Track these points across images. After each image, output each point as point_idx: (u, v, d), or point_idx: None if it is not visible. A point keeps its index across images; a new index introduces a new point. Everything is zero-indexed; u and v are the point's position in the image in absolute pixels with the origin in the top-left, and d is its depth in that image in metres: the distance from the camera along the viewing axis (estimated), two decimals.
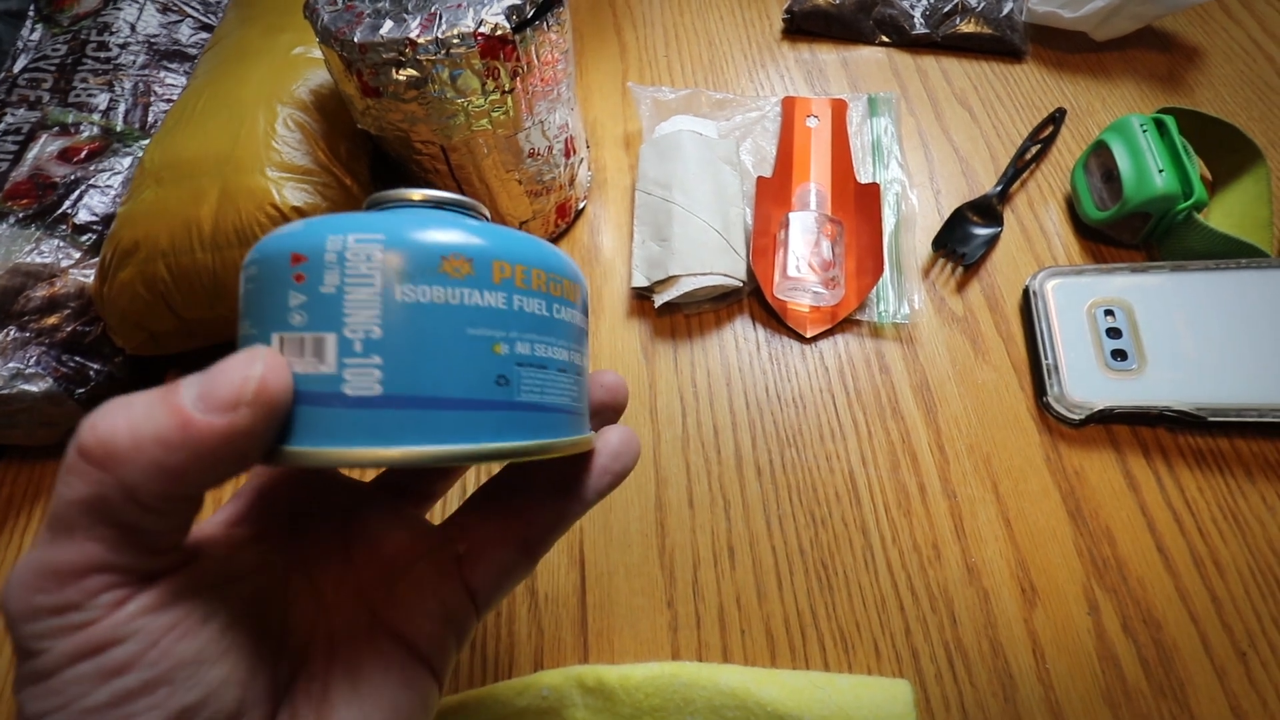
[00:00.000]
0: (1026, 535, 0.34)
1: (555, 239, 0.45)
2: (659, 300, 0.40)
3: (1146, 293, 0.37)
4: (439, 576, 0.20)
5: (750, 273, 0.40)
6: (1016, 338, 0.39)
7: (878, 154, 0.45)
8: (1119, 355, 0.36)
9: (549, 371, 0.17)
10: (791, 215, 0.41)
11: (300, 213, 0.36)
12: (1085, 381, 0.35)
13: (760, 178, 0.43)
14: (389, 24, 0.31)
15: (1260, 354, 0.34)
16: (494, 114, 0.35)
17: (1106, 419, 0.35)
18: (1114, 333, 0.36)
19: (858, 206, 0.42)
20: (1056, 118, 0.46)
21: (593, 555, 0.35)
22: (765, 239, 0.42)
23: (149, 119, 0.45)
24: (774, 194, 0.43)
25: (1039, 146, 0.45)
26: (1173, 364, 0.35)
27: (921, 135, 0.47)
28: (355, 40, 0.31)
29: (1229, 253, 0.37)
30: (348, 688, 0.17)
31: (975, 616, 0.32)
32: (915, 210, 0.43)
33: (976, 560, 0.33)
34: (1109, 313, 0.37)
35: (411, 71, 0.32)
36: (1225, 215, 0.40)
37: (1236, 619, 0.31)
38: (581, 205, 0.46)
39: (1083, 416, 0.35)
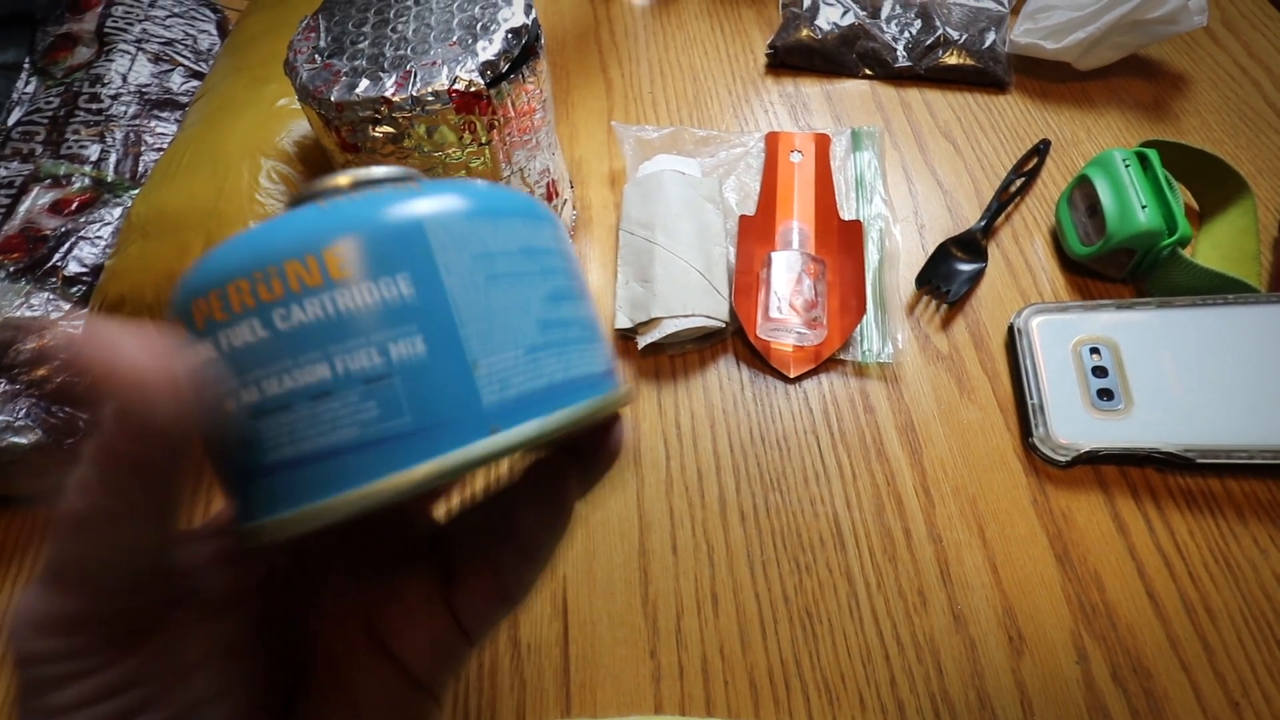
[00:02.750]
0: (1014, 581, 0.33)
1: None
2: (642, 342, 0.40)
3: (1132, 330, 0.36)
4: (428, 604, 0.19)
5: (733, 313, 0.40)
6: (1002, 375, 0.39)
7: (861, 189, 0.45)
8: (1105, 395, 0.35)
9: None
10: (774, 255, 0.41)
11: None
12: (1071, 422, 0.35)
13: (743, 216, 0.43)
14: (365, 83, 0.32)
15: (1249, 393, 0.34)
16: (472, 165, 0.35)
17: (1093, 460, 0.35)
18: (1100, 371, 0.36)
19: (840, 244, 0.42)
20: (1041, 149, 0.46)
21: (576, 603, 0.35)
22: (748, 278, 0.41)
23: (139, 169, 0.45)
24: (757, 232, 0.43)
25: (1023, 179, 0.45)
26: (1159, 404, 0.34)
27: (905, 169, 0.47)
28: (332, 99, 0.32)
29: (1216, 288, 0.36)
30: (349, 713, 0.17)
31: (962, 666, 0.32)
32: (899, 246, 0.43)
33: (963, 607, 0.33)
34: (1094, 350, 0.36)
35: (388, 128, 0.32)
36: (1213, 248, 0.39)
37: (1229, 667, 0.31)
38: None
39: (1069, 458, 0.34)
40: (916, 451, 0.37)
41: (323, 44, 0.35)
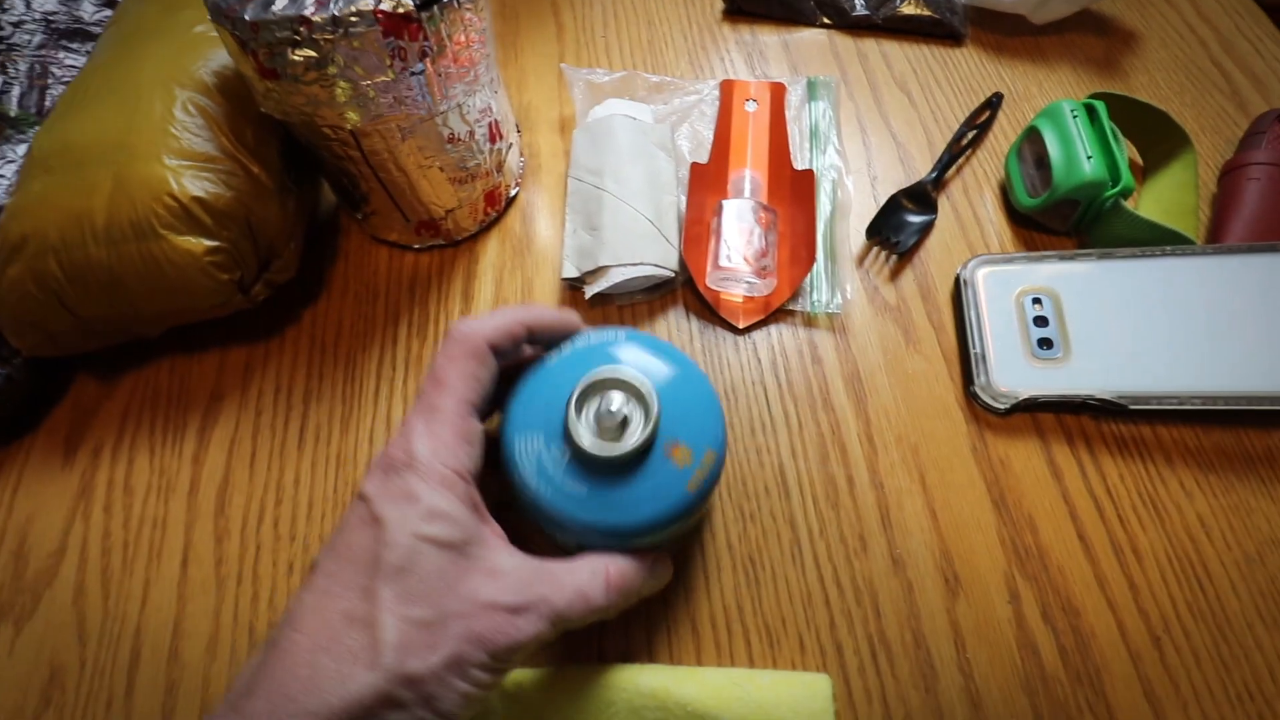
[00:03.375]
0: (951, 525, 0.34)
1: (485, 228, 0.44)
2: (590, 291, 0.39)
3: (1073, 281, 0.37)
4: None
5: (682, 262, 0.40)
6: (948, 326, 0.39)
7: (815, 139, 0.45)
8: (1045, 344, 0.36)
9: None
10: (725, 203, 0.40)
11: (201, 203, 0.34)
12: (1011, 370, 0.35)
13: (695, 164, 0.42)
14: (282, 1, 0.30)
15: (1180, 342, 0.34)
16: (403, 95, 0.33)
17: (1031, 408, 0.35)
18: (1041, 321, 0.36)
19: (793, 194, 0.42)
20: (994, 102, 0.45)
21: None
22: (698, 227, 0.41)
23: (46, 102, 0.42)
24: (709, 181, 0.42)
25: (975, 132, 0.44)
26: (1096, 352, 0.35)
27: (860, 120, 0.47)
28: (246, 18, 0.29)
29: (1155, 240, 0.37)
30: None
31: (899, 609, 0.32)
32: (850, 197, 0.42)
33: (902, 551, 0.33)
34: (1036, 300, 0.37)
35: (309, 52, 0.30)
36: (1155, 201, 0.40)
37: (1153, 605, 0.32)
38: (514, 192, 0.45)
39: (1008, 405, 0.35)
40: (862, 401, 0.37)
41: None
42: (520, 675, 0.30)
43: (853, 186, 0.43)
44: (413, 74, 0.32)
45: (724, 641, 0.32)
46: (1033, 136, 0.40)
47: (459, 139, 0.37)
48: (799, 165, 0.44)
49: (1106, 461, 0.35)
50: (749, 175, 0.42)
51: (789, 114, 0.46)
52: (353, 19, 0.29)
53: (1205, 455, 0.35)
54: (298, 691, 0.21)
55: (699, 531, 0.34)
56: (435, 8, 0.31)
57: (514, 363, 0.29)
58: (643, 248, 0.38)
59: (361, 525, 0.23)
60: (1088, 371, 0.35)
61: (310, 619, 0.22)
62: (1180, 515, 0.33)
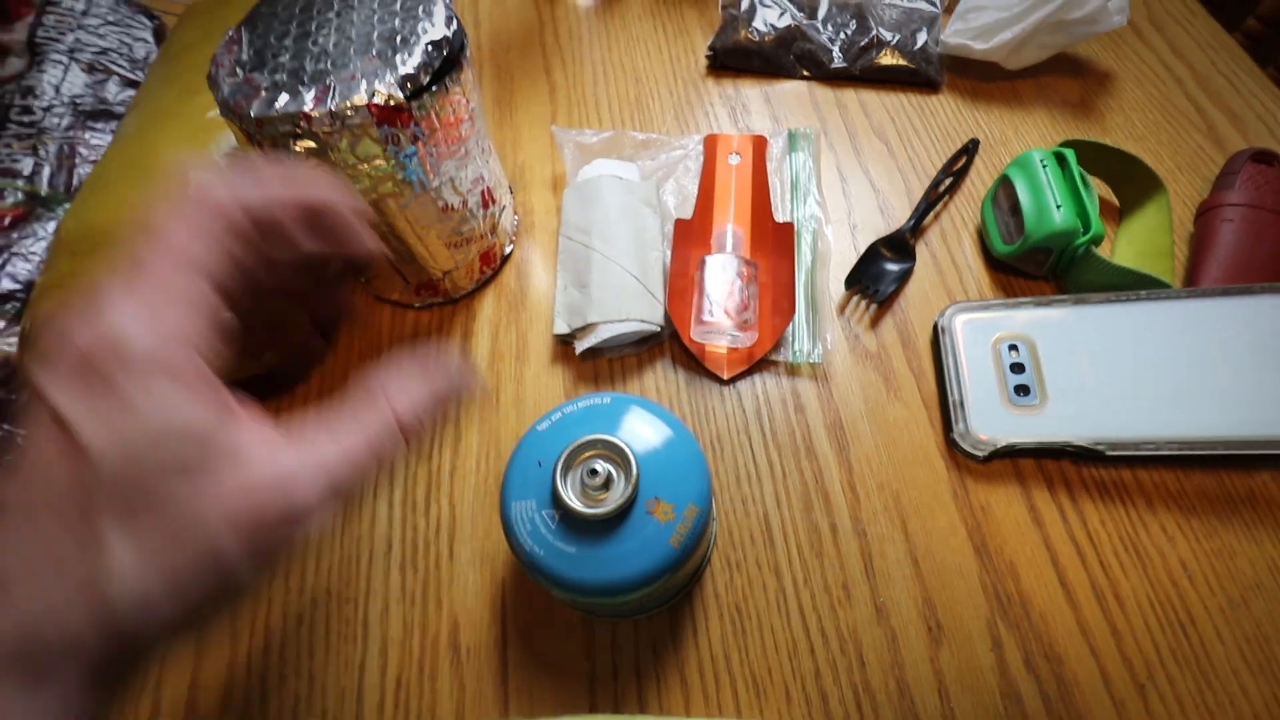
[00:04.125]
0: (933, 573, 0.34)
1: (482, 285, 0.46)
2: (580, 347, 0.41)
3: (1049, 327, 0.37)
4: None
5: (668, 316, 0.41)
6: (928, 373, 0.40)
7: (796, 190, 0.46)
8: (1022, 390, 0.36)
9: None
10: (708, 258, 0.41)
11: None
12: (989, 418, 0.36)
13: (679, 220, 0.44)
14: (284, 97, 0.32)
15: (1157, 387, 0.35)
16: (398, 176, 0.35)
17: (1011, 454, 0.36)
18: (1018, 368, 0.37)
19: (774, 246, 0.43)
20: (970, 149, 0.47)
21: (514, 609, 0.35)
22: (683, 280, 0.42)
23: (74, 181, 0.45)
24: (693, 236, 0.44)
25: (952, 179, 0.46)
26: (1072, 399, 0.36)
27: (839, 169, 0.48)
28: (252, 114, 0.32)
29: (1130, 285, 0.37)
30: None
31: (883, 657, 0.33)
32: (830, 247, 0.44)
33: (885, 600, 0.34)
34: (1013, 348, 0.37)
35: (309, 143, 0.32)
36: (1129, 244, 0.41)
37: (1136, 651, 0.32)
38: (508, 250, 0.47)
39: (987, 452, 0.35)
40: (844, 449, 0.38)
41: (245, 57, 0.34)
42: None
43: (833, 236, 0.44)
44: (405, 156, 0.34)
45: (711, 692, 0.33)
46: (1006, 184, 0.41)
47: (453, 209, 0.39)
48: (780, 217, 0.45)
49: (1087, 506, 0.35)
50: (731, 230, 0.44)
51: (770, 165, 0.48)
52: (349, 112, 0.31)
53: (1186, 498, 0.35)
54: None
55: (699, 581, 0.35)
56: (425, 96, 0.33)
57: (297, 259, 0.22)
58: (629, 304, 0.40)
59: (60, 458, 0.17)
60: (1064, 418, 0.35)
61: (19, 582, 0.17)
62: (1163, 559, 0.34)
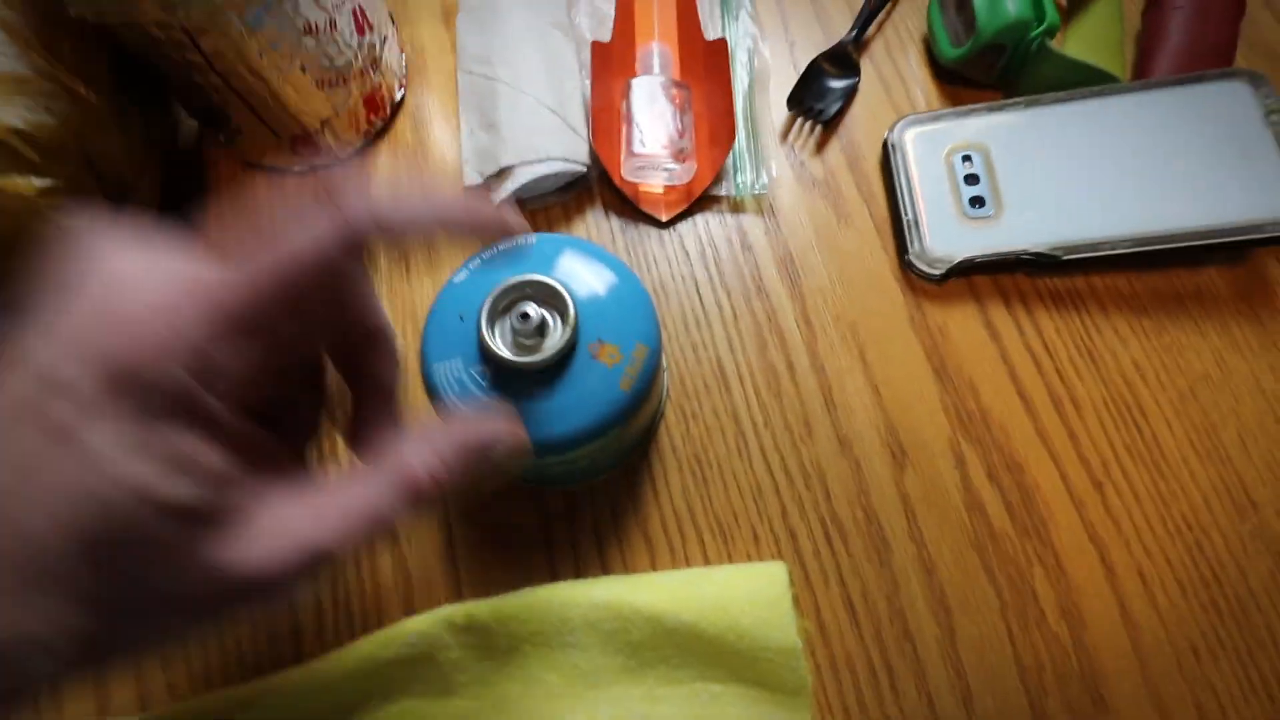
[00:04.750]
0: (894, 400, 0.33)
1: (372, 140, 0.39)
2: (497, 198, 0.35)
3: (1003, 133, 0.35)
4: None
5: (594, 155, 0.36)
6: (878, 196, 0.37)
7: (726, 8, 0.41)
8: (977, 202, 0.34)
9: None
10: (633, 81, 0.36)
11: (21, 135, 0.28)
12: (945, 234, 0.34)
13: (595, 43, 0.38)
14: None
15: (1110, 187, 0.33)
16: None
17: (967, 270, 0.34)
18: (972, 179, 0.34)
19: (706, 68, 0.38)
20: None
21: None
22: (607, 114, 0.37)
23: None
24: (614, 61, 0.38)
25: None
26: (1028, 206, 0.34)
27: None
28: None
29: (1083, 81, 0.35)
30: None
31: (848, 488, 0.32)
32: (769, 66, 0.39)
33: (847, 431, 0.32)
34: (966, 158, 0.35)
35: None
36: (1080, 39, 0.38)
37: (1093, 451, 0.32)
38: (399, 95, 0.40)
39: (944, 270, 0.34)
40: (796, 283, 0.35)
41: None
42: (472, 606, 0.28)
43: (770, 54, 0.40)
44: None
45: (677, 546, 0.31)
46: None
47: (318, 29, 0.32)
48: (710, 35, 0.40)
49: (1043, 317, 0.34)
50: (657, 49, 0.38)
51: None
52: None
53: (1138, 300, 0.34)
54: None
55: (654, 437, 0.32)
56: None
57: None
58: (548, 142, 0.35)
59: (46, 437, 0.15)
60: (1020, 227, 0.33)
61: None
62: (1116, 361, 0.33)
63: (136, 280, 0.16)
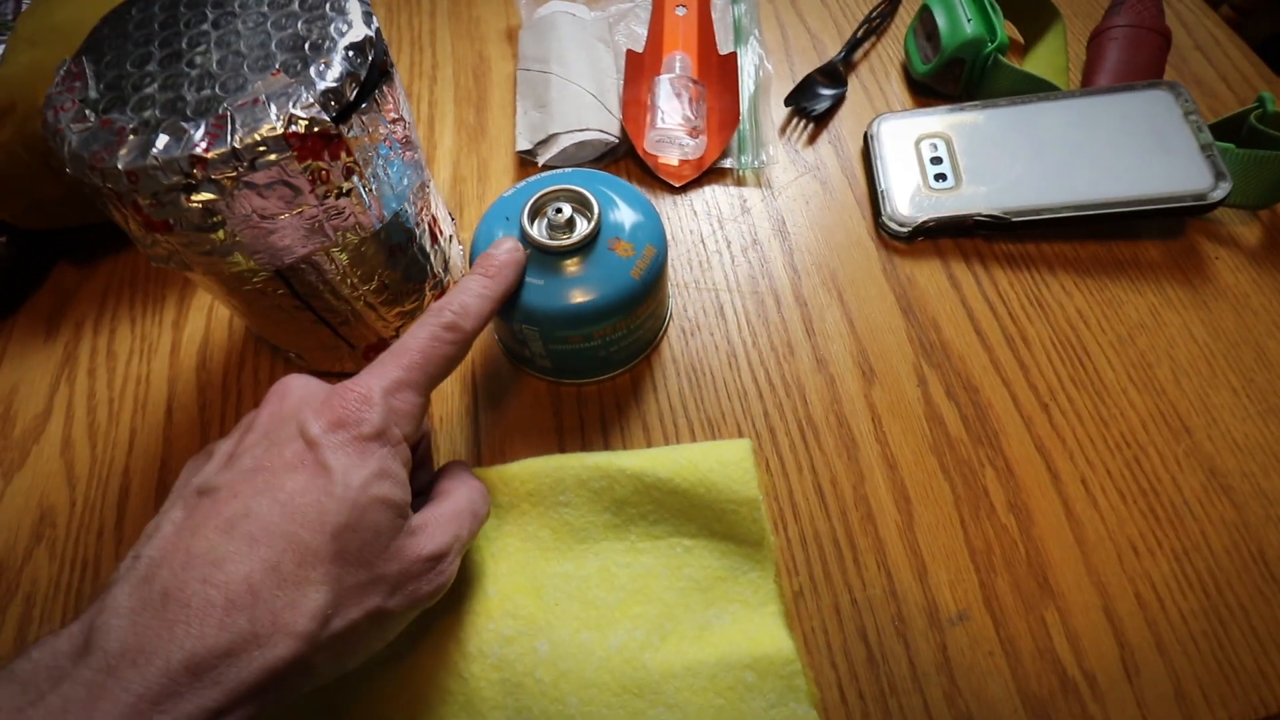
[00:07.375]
0: (866, 330, 0.38)
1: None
2: (541, 159, 0.43)
3: (963, 127, 0.42)
4: None
5: (624, 130, 0.44)
6: (859, 178, 0.44)
7: (739, 36, 0.50)
8: (940, 177, 0.41)
9: None
10: (658, 78, 0.44)
11: None
12: (912, 200, 0.40)
13: (630, 51, 0.47)
14: (163, 139, 0.24)
15: (1055, 166, 0.40)
16: (331, 222, 0.28)
17: (931, 231, 0.40)
18: (936, 160, 0.41)
19: (719, 74, 0.46)
20: None
21: (484, 381, 0.38)
22: (636, 106, 0.45)
23: (21, 7, 0.45)
24: (644, 67, 0.47)
25: (879, 20, 0.50)
26: (983, 180, 0.40)
27: (778, 18, 0.52)
28: (120, 168, 0.23)
29: (1031, 89, 0.42)
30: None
31: (824, 396, 0.36)
32: (772, 76, 0.48)
33: (825, 353, 0.37)
34: (933, 145, 0.42)
35: (209, 195, 0.24)
36: (1032, 68, 0.45)
37: (1040, 379, 0.36)
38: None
39: (911, 229, 0.40)
40: (786, 238, 0.41)
41: (94, 94, 0.26)
42: (480, 471, 0.33)
43: (773, 69, 0.48)
44: (341, 195, 0.27)
45: (671, 434, 0.36)
46: (925, 13, 0.45)
47: (401, 249, 0.33)
48: (723, 51, 0.49)
49: (998, 273, 0.40)
50: (679, 56, 0.47)
51: (714, 14, 0.51)
52: (260, 148, 0.24)
53: (1082, 263, 0.40)
54: (207, 659, 0.18)
55: (657, 347, 0.38)
56: (354, 115, 0.26)
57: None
58: (588, 116, 0.43)
59: (302, 469, 0.21)
60: (976, 196, 0.40)
61: (228, 569, 0.19)
62: (1062, 310, 0.38)
63: (311, 382, 0.26)
